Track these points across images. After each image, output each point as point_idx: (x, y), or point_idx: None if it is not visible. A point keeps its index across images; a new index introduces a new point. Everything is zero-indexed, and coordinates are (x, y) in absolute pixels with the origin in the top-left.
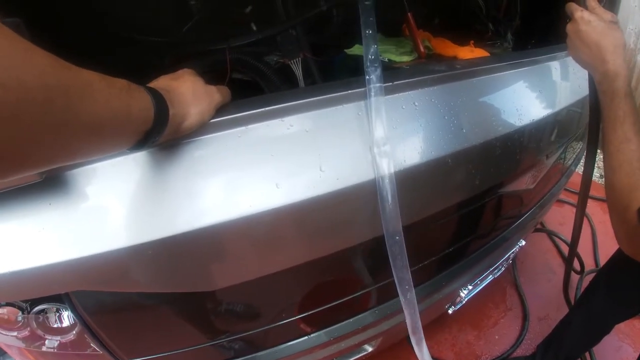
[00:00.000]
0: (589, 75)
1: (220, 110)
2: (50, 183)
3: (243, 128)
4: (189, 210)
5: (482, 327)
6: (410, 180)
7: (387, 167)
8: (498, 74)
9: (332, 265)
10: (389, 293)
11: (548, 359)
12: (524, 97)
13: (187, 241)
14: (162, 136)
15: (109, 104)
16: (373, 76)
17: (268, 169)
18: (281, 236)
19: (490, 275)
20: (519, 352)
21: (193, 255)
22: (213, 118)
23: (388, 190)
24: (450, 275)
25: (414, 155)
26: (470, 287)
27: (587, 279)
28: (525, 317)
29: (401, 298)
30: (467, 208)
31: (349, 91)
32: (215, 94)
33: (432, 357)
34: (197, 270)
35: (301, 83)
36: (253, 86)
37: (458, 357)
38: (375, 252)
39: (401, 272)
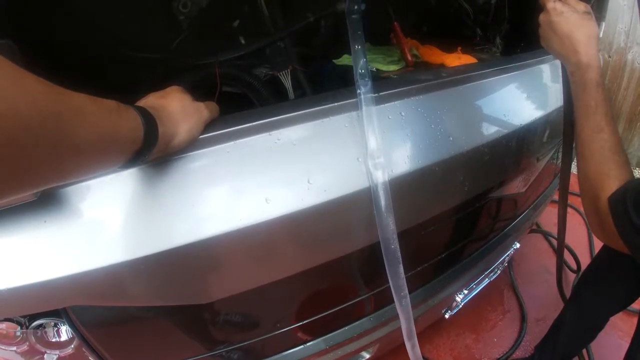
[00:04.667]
0: (562, 65)
1: (209, 126)
2: (45, 201)
3: (231, 143)
4: (181, 224)
5: (480, 330)
6: (400, 189)
7: (381, 178)
8: (485, 80)
9: (325, 274)
10: (384, 300)
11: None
12: (512, 102)
13: (180, 255)
14: (152, 154)
15: (100, 126)
16: (364, 89)
17: (257, 183)
18: (273, 248)
19: (486, 279)
20: (518, 353)
21: (187, 268)
22: (202, 134)
23: (383, 200)
24: (445, 280)
25: (402, 165)
26: (466, 292)
27: None
28: (523, 319)
29: (397, 304)
30: (458, 214)
31: (336, 103)
32: (203, 111)
33: None
34: (191, 283)
35: (291, 94)
36: (243, 99)
37: None
38: (367, 260)
39: (397, 279)
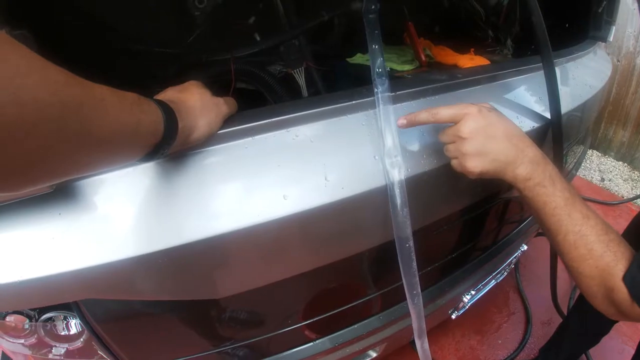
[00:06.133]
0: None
1: (228, 121)
2: (60, 194)
3: (250, 139)
4: (196, 219)
5: (485, 332)
6: (415, 188)
7: (398, 177)
8: (498, 82)
9: (339, 271)
10: (394, 298)
11: None
12: (525, 104)
13: (195, 250)
14: (171, 148)
15: (120, 118)
16: (381, 87)
17: (274, 179)
18: (288, 244)
19: (493, 280)
20: (522, 356)
21: (201, 263)
22: (220, 129)
23: (399, 198)
24: (454, 280)
25: (418, 164)
26: (473, 292)
27: None
28: (528, 321)
29: (409, 302)
30: (470, 214)
31: (354, 101)
32: (222, 106)
33: None
34: (203, 279)
35: (304, 92)
36: (257, 96)
37: None
38: (380, 258)
39: (411, 278)
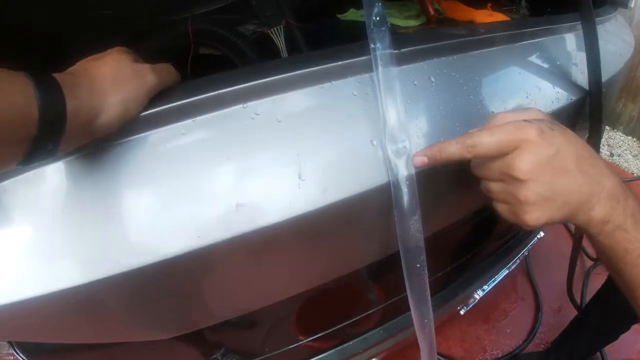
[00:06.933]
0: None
1: (159, 97)
2: None
3: (189, 121)
4: (112, 248)
5: (492, 320)
6: (428, 184)
7: (406, 170)
8: (527, 41)
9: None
10: (397, 311)
11: (563, 358)
12: (558, 71)
13: (107, 287)
14: (63, 140)
15: None
16: (380, 43)
17: (224, 181)
18: (242, 275)
19: (506, 270)
20: (532, 346)
21: (116, 305)
22: (147, 109)
23: (406, 201)
24: (467, 281)
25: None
26: (486, 287)
27: (601, 270)
28: (538, 309)
29: (418, 333)
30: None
31: (340, 62)
32: (147, 75)
33: (440, 354)
34: (123, 322)
35: (284, 56)
36: (229, 64)
37: (468, 353)
38: (378, 273)
39: (421, 307)
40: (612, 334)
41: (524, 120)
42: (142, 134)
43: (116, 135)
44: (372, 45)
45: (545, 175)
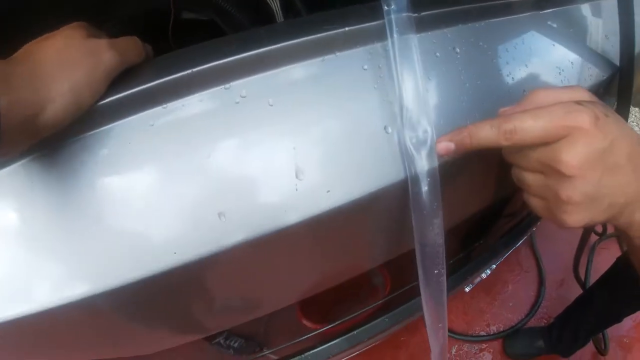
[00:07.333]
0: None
1: (120, 79)
2: None
3: (159, 108)
4: (61, 271)
5: (495, 293)
6: (452, 177)
7: (427, 163)
8: (563, 7)
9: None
10: (402, 299)
11: (566, 336)
12: (594, 41)
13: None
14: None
15: None
16: (395, 4)
17: (203, 183)
18: (228, 289)
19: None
20: (534, 321)
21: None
22: (106, 96)
23: (428, 200)
24: (477, 265)
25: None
26: (493, 266)
27: (606, 245)
28: (541, 282)
29: (430, 338)
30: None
31: (347, 28)
32: (104, 53)
33: None
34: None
35: (279, 21)
36: (217, 31)
37: (470, 326)
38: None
39: (437, 312)
40: (617, 317)
41: (575, 102)
42: (102, 128)
43: (70, 130)
44: (385, 7)
45: (595, 173)
